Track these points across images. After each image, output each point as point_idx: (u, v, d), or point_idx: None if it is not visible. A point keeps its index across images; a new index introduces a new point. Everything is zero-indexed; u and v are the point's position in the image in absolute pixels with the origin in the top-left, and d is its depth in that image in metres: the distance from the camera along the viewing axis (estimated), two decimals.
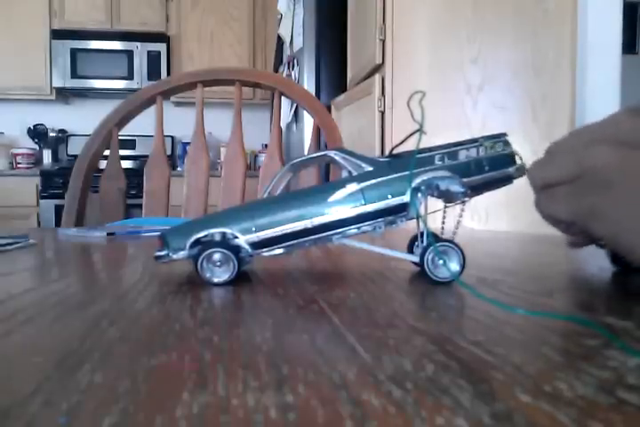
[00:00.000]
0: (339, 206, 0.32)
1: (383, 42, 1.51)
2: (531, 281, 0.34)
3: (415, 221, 0.35)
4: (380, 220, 0.33)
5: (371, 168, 0.34)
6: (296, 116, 2.25)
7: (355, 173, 0.34)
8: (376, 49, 1.51)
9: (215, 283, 0.32)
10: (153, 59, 3.52)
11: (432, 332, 0.21)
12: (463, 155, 0.34)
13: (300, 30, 2.15)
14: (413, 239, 0.38)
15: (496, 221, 1.47)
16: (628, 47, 3.30)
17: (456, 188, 0.33)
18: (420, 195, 0.33)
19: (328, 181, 1.01)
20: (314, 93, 2.02)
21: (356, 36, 1.84)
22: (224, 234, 0.33)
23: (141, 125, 2.25)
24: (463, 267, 0.32)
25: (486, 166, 0.34)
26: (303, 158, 0.36)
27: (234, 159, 1.04)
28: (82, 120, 3.72)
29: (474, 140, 0.34)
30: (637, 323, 0.22)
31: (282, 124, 1.98)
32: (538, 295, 0.28)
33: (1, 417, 0.13)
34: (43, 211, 3.24)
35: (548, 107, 1.47)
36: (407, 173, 0.33)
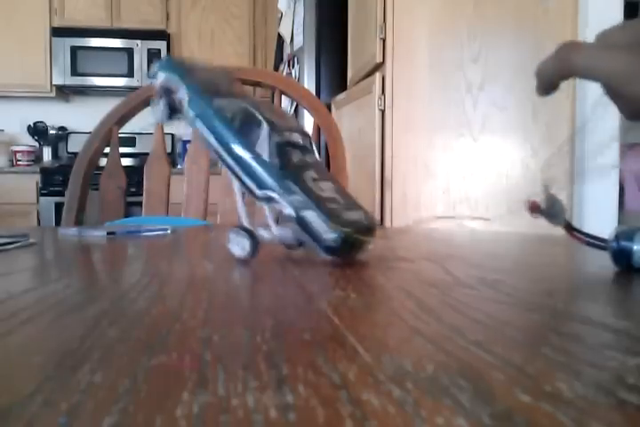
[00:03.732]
0: None
1: (383, 41, 1.51)
2: (531, 281, 0.34)
3: None
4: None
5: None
6: (296, 115, 2.25)
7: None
8: (376, 48, 1.51)
9: None
10: (153, 56, 3.52)
11: (432, 332, 0.21)
12: None
13: (300, 29, 2.15)
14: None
15: (495, 221, 1.47)
16: None
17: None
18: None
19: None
20: (314, 92, 2.02)
21: (356, 34, 1.84)
22: None
23: (141, 123, 2.25)
24: None
25: None
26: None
27: None
28: (82, 118, 3.72)
29: None
30: (638, 323, 0.22)
31: None
32: (538, 295, 0.28)
33: (1, 417, 0.13)
34: (43, 208, 3.24)
35: (549, 106, 1.47)
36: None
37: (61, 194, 3.12)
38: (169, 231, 0.66)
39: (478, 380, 0.15)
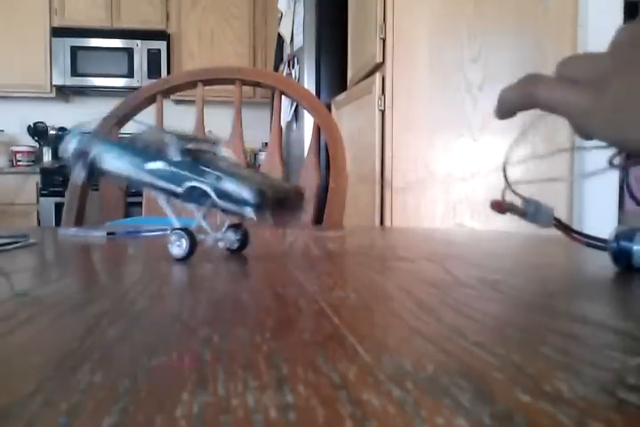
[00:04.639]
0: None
1: (383, 40, 1.51)
2: (531, 281, 0.34)
3: None
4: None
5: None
6: (296, 115, 2.25)
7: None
8: (376, 48, 1.51)
9: None
10: (153, 57, 3.52)
11: (432, 332, 0.21)
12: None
13: (300, 29, 2.15)
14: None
15: (496, 221, 1.47)
16: None
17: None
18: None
19: (328, 176, 1.01)
20: (314, 92, 2.02)
21: (356, 34, 1.84)
22: None
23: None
24: None
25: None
26: None
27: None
28: (82, 118, 3.72)
29: None
30: (638, 323, 0.22)
31: (282, 123, 1.98)
32: (539, 296, 0.28)
33: (1, 417, 0.13)
34: (43, 209, 3.24)
35: None
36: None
37: (61, 194, 3.12)
38: (169, 231, 0.66)
39: (478, 380, 0.15)
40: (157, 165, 0.42)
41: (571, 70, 0.30)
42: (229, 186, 0.39)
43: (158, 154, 0.42)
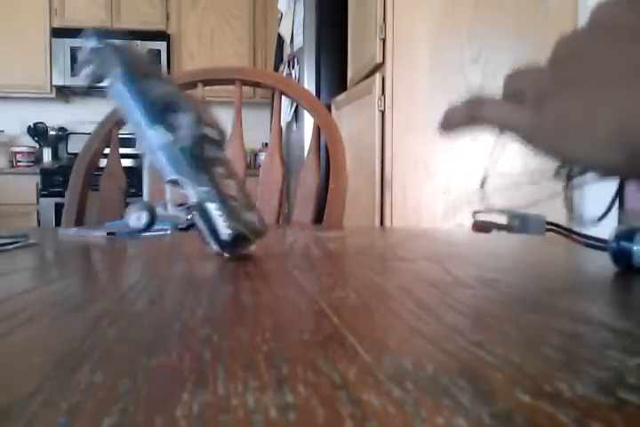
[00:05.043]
0: None
1: (384, 41, 1.51)
2: (531, 281, 0.34)
3: None
4: None
5: None
6: (296, 116, 2.25)
7: None
8: (376, 48, 1.51)
9: None
10: (153, 57, 3.52)
11: (432, 332, 0.21)
12: None
13: (300, 29, 2.15)
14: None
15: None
16: None
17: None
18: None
19: (328, 176, 1.01)
20: (314, 92, 2.02)
21: (356, 35, 1.84)
22: None
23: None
24: None
25: None
26: None
27: (234, 158, 1.04)
28: (82, 118, 3.72)
29: None
30: (638, 323, 0.22)
31: (282, 124, 1.98)
32: (538, 295, 0.28)
33: (1, 417, 0.13)
34: (43, 209, 3.24)
35: None
36: None
37: (61, 195, 3.12)
38: (169, 231, 0.66)
39: (478, 380, 0.15)
40: (165, 136, 0.40)
41: (516, 85, 0.31)
42: (215, 213, 0.40)
43: (171, 123, 0.40)
